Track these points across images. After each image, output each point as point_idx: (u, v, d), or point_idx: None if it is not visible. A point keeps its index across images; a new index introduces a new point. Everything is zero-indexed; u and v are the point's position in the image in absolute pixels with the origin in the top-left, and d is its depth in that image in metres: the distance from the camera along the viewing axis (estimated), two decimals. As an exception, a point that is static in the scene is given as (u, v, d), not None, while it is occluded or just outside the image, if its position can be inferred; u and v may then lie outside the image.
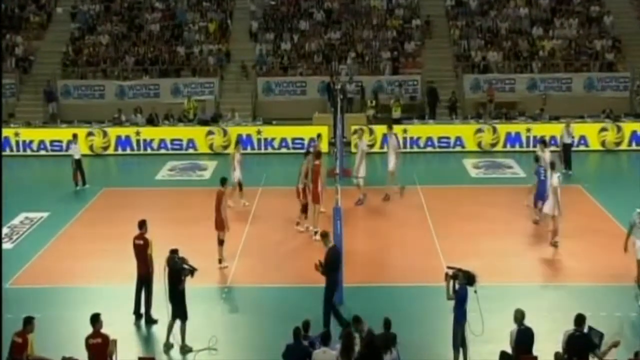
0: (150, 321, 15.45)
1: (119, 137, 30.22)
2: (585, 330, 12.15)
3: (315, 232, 19.43)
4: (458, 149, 29.65)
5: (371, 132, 28.86)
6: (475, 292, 13.06)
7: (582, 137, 29.05)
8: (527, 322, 12.32)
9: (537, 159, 21.06)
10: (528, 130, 29.68)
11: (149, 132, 30.33)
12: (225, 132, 29.95)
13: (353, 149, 26.76)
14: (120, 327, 14.21)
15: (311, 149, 22.12)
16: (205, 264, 18.42)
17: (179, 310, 14.31)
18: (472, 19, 37.08)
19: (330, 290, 15.03)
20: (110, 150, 30.11)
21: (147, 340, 15.11)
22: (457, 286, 13.18)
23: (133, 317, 15.60)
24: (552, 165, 19.81)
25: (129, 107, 32.23)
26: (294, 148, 29.42)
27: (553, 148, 25.48)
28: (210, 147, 29.94)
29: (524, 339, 12.21)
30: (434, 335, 14.74)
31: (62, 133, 30.09)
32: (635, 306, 15.86)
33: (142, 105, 32.38)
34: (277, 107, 34.19)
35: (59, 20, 38.35)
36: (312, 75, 34.81)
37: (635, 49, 35.40)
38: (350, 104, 32.81)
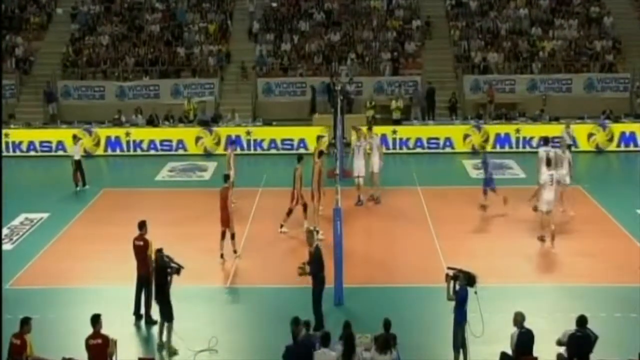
0: (150, 322, 15.44)
1: (108, 138, 30.18)
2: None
3: (317, 232, 19.48)
4: (448, 149, 29.67)
5: (394, 132, 29.15)
6: (476, 293, 13.06)
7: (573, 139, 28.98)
8: (527, 322, 12.31)
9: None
10: (517, 131, 29.69)
11: (138, 133, 30.33)
12: (213, 133, 30.00)
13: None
14: (120, 328, 14.22)
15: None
16: (206, 265, 18.53)
17: (164, 310, 14.31)
18: (472, 19, 37.09)
19: (320, 290, 15.04)
20: (100, 151, 30.00)
21: (147, 341, 15.09)
22: (457, 287, 13.19)
23: (133, 317, 15.60)
24: (549, 163, 19.98)
25: (129, 108, 32.24)
26: (283, 149, 29.50)
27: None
28: (203, 148, 30.01)
29: (525, 341, 12.21)
30: (434, 336, 14.73)
31: (62, 134, 30.18)
32: (635, 307, 15.84)
33: (142, 106, 32.38)
34: (277, 107, 34.22)
35: (59, 21, 38.36)
36: (312, 76, 34.81)
37: (635, 50, 35.40)
38: (350, 104, 32.83)
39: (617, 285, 17.12)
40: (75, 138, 27.20)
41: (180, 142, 30.15)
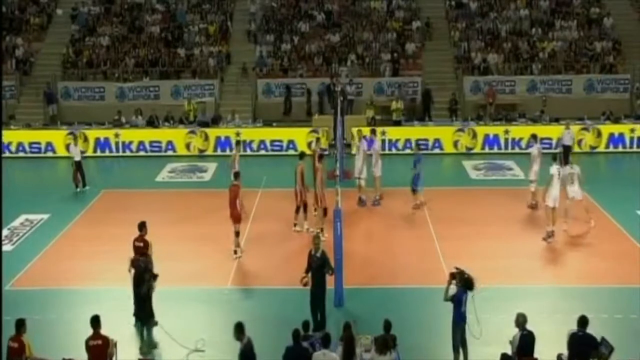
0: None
1: (97, 140, 30.10)
2: (598, 339, 12.12)
3: (321, 231, 19.53)
4: (436, 151, 29.65)
5: (383, 133, 29.05)
6: (473, 297, 13.08)
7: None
8: (527, 323, 12.30)
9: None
10: (506, 132, 29.68)
11: (128, 135, 30.27)
12: (203, 134, 30.01)
13: (353, 150, 26.90)
14: (120, 329, 14.22)
15: (325, 152, 22.20)
16: (206, 265, 18.55)
17: (141, 313, 14.30)
18: (472, 20, 37.08)
19: (323, 290, 15.06)
20: (89, 152, 29.84)
21: (146, 342, 15.07)
22: (455, 288, 13.20)
23: (133, 318, 15.58)
24: (555, 158, 20.28)
25: (129, 109, 32.23)
26: (272, 150, 29.50)
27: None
28: (188, 147, 30.03)
29: (526, 343, 12.19)
30: (434, 337, 14.72)
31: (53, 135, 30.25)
32: (635, 308, 15.83)
33: (142, 107, 32.37)
34: (278, 108, 34.21)
35: (59, 22, 38.36)
36: (313, 77, 34.81)
37: (635, 51, 35.40)
38: (350, 105, 32.84)
39: (617, 286, 17.11)
40: (76, 139, 27.18)
41: (169, 143, 30.09)
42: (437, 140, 29.69)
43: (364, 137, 24.41)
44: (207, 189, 25.22)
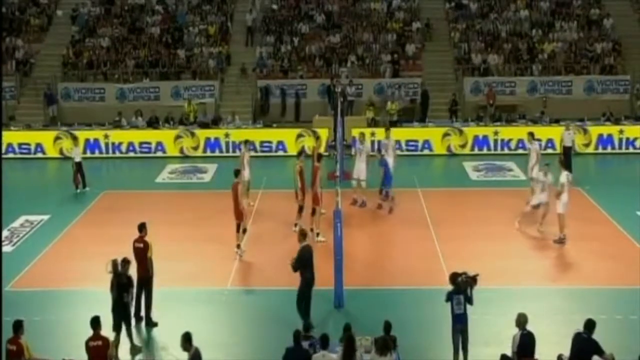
0: (151, 324, 15.44)
1: (87, 140, 29.92)
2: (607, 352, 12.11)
3: (317, 234, 19.50)
4: (426, 152, 29.61)
5: (372, 134, 28.88)
6: (470, 300, 13.14)
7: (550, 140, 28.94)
8: (528, 324, 12.30)
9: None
10: (496, 133, 29.67)
11: (117, 136, 30.19)
12: (193, 135, 29.96)
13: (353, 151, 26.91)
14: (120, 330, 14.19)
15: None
16: (206, 266, 18.54)
17: (117, 317, 14.19)
18: (473, 21, 37.09)
19: (304, 290, 15.05)
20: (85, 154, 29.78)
21: (147, 343, 15.07)
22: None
23: (133, 319, 15.56)
24: (562, 164, 20.31)
25: (130, 110, 32.23)
26: (262, 151, 29.37)
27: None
28: (180, 150, 29.94)
29: (527, 344, 12.17)
30: (434, 338, 14.69)
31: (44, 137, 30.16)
32: (635, 309, 15.83)
33: (142, 108, 32.34)
34: (278, 109, 34.21)
35: (60, 23, 38.38)
36: (313, 78, 34.81)
37: (635, 52, 35.42)
38: (350, 106, 32.83)
39: (617, 287, 17.11)
40: (76, 140, 27.18)
41: (159, 144, 30.03)
42: (426, 142, 29.62)
43: (354, 138, 24.41)
44: (207, 189, 25.22)
